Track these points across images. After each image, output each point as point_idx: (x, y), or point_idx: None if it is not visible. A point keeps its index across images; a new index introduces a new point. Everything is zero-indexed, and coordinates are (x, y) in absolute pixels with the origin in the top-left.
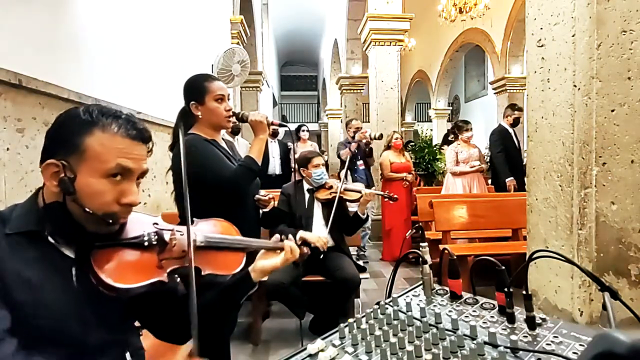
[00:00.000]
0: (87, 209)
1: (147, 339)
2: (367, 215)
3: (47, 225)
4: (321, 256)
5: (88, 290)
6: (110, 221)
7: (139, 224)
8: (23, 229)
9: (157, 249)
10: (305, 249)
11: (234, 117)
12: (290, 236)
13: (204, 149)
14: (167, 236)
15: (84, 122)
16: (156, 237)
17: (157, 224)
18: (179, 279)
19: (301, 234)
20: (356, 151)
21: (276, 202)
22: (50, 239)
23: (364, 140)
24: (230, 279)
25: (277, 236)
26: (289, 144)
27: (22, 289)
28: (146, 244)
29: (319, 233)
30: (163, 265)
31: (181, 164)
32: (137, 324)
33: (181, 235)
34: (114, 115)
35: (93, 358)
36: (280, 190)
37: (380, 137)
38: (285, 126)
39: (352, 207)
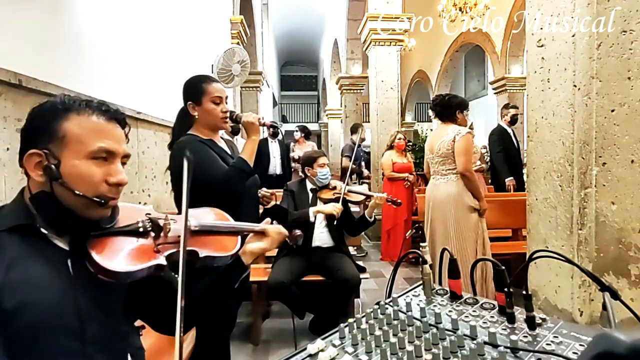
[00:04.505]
0: (77, 192)
1: (147, 339)
2: (375, 219)
3: (37, 217)
4: (335, 222)
5: (86, 282)
6: (102, 201)
7: (132, 214)
8: (14, 224)
9: (152, 235)
10: (298, 232)
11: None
12: (268, 221)
13: (197, 150)
14: (161, 222)
15: (58, 109)
16: (150, 223)
17: (149, 213)
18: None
19: (314, 209)
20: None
21: (278, 201)
22: (43, 230)
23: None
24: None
25: (267, 220)
26: (291, 143)
27: (17, 288)
28: (141, 229)
29: (320, 232)
30: (160, 250)
31: (177, 164)
32: (136, 323)
33: (174, 222)
34: (86, 101)
35: (93, 352)
36: (281, 189)
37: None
38: (277, 127)
39: (353, 208)
